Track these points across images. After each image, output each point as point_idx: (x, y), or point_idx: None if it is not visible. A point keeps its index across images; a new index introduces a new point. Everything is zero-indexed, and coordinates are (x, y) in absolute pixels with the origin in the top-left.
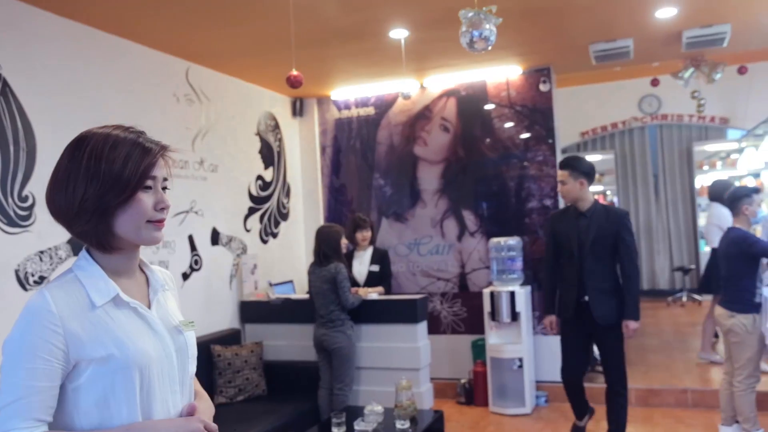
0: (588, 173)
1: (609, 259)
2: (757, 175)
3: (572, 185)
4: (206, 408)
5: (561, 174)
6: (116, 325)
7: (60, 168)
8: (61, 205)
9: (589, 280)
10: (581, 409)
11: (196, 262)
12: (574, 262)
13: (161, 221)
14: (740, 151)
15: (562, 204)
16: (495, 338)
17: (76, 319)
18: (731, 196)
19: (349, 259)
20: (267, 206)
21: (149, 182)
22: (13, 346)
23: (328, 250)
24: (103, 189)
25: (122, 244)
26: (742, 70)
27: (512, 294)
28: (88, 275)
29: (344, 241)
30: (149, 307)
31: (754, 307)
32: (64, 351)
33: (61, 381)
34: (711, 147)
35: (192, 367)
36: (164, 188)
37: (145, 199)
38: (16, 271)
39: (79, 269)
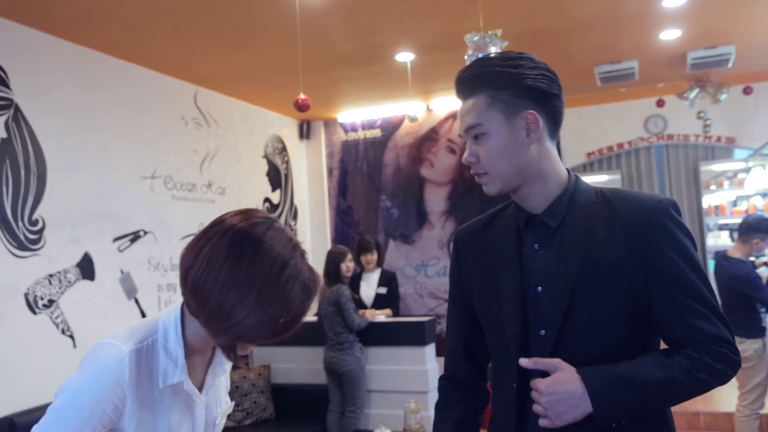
0: (543, 93)
1: (627, 334)
2: (765, 195)
3: (499, 134)
4: None
5: (465, 109)
6: (164, 414)
7: (219, 258)
8: (210, 306)
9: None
10: None
11: None
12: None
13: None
14: (747, 170)
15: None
16: None
17: (138, 397)
18: (753, 225)
19: (357, 281)
20: None
21: None
22: (72, 397)
23: (330, 273)
24: (270, 322)
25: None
26: (747, 91)
27: None
28: (167, 351)
29: (350, 264)
30: (201, 387)
31: (762, 332)
32: (113, 420)
33: None
34: (718, 167)
35: None
36: None
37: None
38: (26, 295)
39: (164, 335)
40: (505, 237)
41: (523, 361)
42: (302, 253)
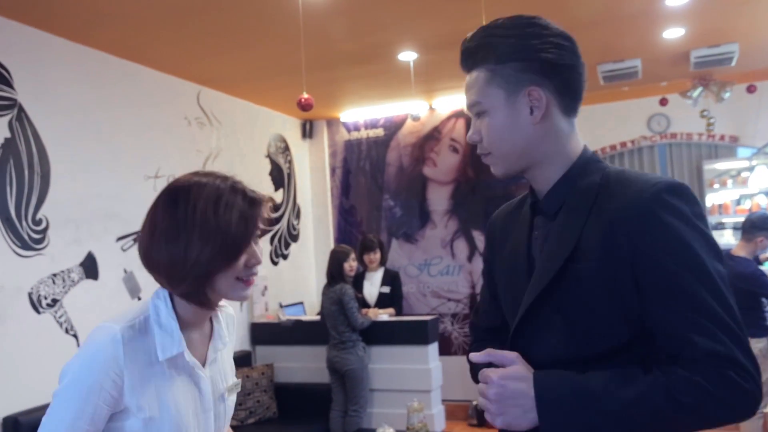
0: (552, 65)
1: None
2: None
3: (499, 112)
4: None
5: (468, 84)
6: (168, 388)
7: (161, 219)
8: (163, 263)
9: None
10: None
11: None
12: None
13: (251, 278)
14: (751, 169)
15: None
16: None
17: (137, 372)
18: (756, 223)
19: (360, 280)
20: (277, 228)
21: None
22: (72, 380)
23: (334, 272)
24: (219, 252)
25: (217, 299)
26: (751, 89)
27: None
28: (161, 325)
29: (353, 263)
30: (205, 362)
31: (766, 330)
32: (116, 399)
33: (105, 423)
34: (721, 165)
35: (226, 427)
36: (260, 235)
37: (241, 257)
38: (30, 294)
39: (155, 312)
40: (522, 222)
41: (474, 356)
42: (234, 182)
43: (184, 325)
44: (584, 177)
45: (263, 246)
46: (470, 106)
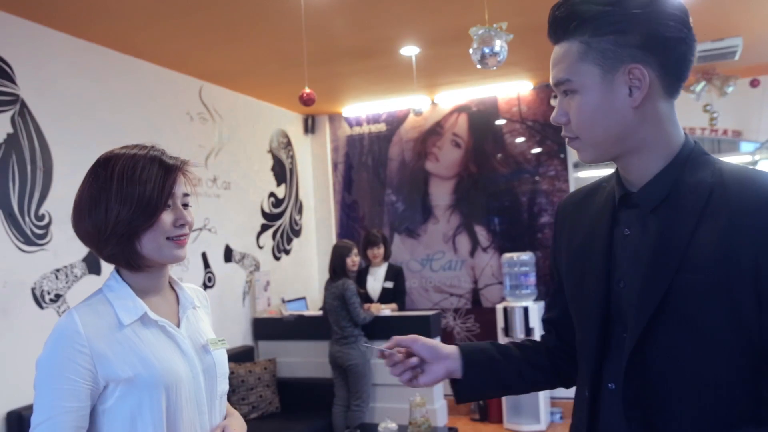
0: (660, 39)
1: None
2: None
3: (592, 92)
4: (239, 426)
5: (555, 58)
6: (143, 344)
7: (84, 190)
8: (88, 230)
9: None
10: None
11: (209, 279)
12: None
13: (181, 238)
14: (754, 163)
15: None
16: None
17: (103, 340)
18: None
19: (363, 275)
20: (279, 223)
21: (169, 200)
22: (42, 365)
23: (336, 267)
24: (136, 212)
25: (150, 263)
26: (754, 83)
27: (525, 309)
28: (116, 295)
29: (355, 258)
30: (178, 325)
31: None
32: (91, 371)
33: (92, 401)
34: (724, 160)
35: (222, 386)
36: (186, 204)
37: (165, 217)
38: (33, 290)
39: (108, 289)
40: (600, 214)
41: None
42: (152, 149)
43: (140, 293)
44: (693, 171)
45: (266, 241)
46: (557, 83)
